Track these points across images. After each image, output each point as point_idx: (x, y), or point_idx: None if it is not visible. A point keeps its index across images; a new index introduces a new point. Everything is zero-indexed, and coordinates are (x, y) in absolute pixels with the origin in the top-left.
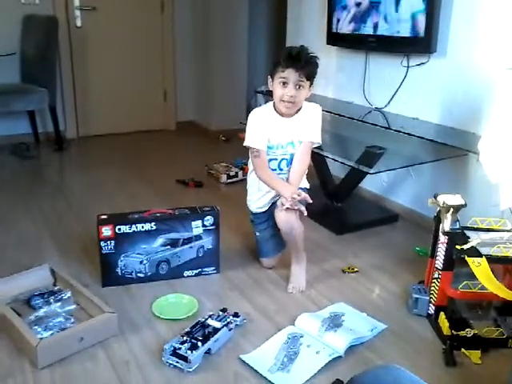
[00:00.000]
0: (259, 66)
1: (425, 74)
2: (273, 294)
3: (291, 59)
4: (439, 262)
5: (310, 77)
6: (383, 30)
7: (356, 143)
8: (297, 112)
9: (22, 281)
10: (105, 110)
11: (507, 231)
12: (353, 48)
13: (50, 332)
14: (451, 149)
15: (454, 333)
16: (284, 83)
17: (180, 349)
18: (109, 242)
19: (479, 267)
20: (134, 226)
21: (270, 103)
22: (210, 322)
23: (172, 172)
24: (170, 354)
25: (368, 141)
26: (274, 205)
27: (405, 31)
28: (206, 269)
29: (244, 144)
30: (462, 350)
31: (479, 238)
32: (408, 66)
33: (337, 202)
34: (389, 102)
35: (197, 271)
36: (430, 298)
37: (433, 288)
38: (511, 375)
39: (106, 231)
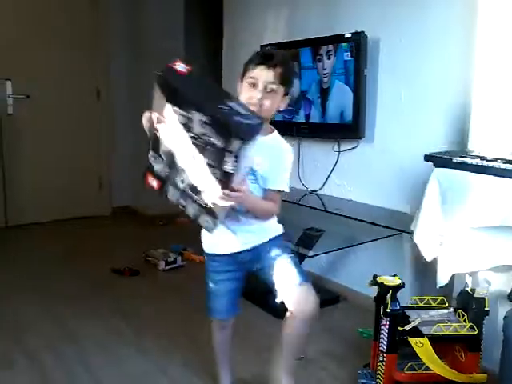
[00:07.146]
0: None
1: (355, 158)
2: None
3: (263, 57)
4: (383, 344)
5: (285, 82)
6: (315, 117)
7: (294, 226)
8: (270, 132)
9: None
10: (36, 198)
11: (445, 308)
12: (286, 134)
13: None
14: (385, 229)
15: None
16: (253, 84)
17: None
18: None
19: (422, 347)
20: None
21: None
22: None
23: (108, 261)
24: None
25: (306, 223)
26: (242, 253)
27: (335, 119)
28: None
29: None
30: None
31: (419, 318)
32: (339, 151)
33: None
34: (323, 185)
35: None
36: (377, 382)
37: (379, 372)
38: None
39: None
